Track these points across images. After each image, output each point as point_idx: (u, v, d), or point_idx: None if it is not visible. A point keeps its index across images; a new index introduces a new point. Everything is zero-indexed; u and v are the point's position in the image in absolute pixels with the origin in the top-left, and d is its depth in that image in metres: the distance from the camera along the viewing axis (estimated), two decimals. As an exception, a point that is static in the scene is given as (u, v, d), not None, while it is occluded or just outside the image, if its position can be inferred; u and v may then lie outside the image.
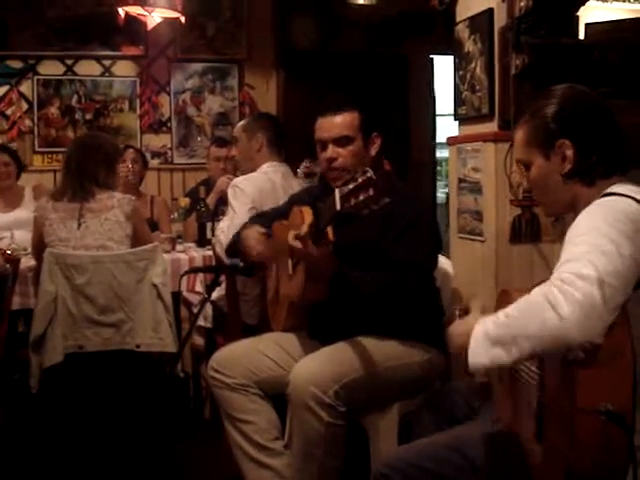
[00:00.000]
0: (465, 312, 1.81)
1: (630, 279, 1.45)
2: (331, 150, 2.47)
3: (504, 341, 1.48)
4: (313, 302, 2.35)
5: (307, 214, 2.19)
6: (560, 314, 1.39)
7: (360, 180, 1.80)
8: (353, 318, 2.40)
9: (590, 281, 1.40)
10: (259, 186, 3.21)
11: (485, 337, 1.51)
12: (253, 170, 3.35)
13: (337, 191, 1.86)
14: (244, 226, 2.72)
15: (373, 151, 2.54)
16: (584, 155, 1.67)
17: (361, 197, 1.79)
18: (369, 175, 1.80)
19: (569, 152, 1.68)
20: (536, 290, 1.48)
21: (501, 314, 1.52)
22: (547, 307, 1.41)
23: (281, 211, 2.70)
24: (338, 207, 1.84)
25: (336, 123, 2.47)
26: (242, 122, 3.61)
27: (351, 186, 1.82)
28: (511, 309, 1.51)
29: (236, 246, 2.68)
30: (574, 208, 1.71)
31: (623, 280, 1.43)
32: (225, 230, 3.06)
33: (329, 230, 2.02)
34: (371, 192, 1.78)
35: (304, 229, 2.08)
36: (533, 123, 1.73)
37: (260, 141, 3.37)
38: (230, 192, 3.23)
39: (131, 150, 4.58)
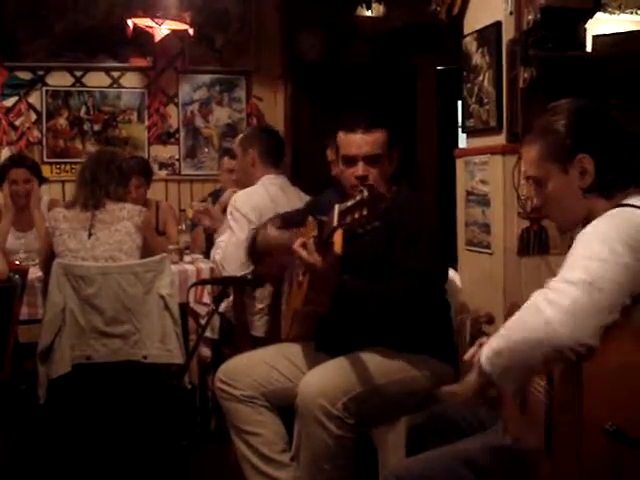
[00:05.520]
0: (487, 320, 1.85)
1: (628, 287, 1.45)
2: (362, 168, 2.41)
3: (504, 353, 1.53)
4: (316, 313, 2.35)
5: (315, 226, 2.20)
6: (545, 319, 1.43)
7: (358, 198, 1.86)
8: (361, 330, 2.39)
9: (574, 284, 1.44)
10: (256, 202, 3.21)
11: (492, 353, 1.56)
12: (251, 183, 3.36)
13: (337, 207, 1.92)
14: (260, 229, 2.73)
15: (394, 165, 2.52)
16: (604, 168, 1.68)
17: (356, 215, 1.85)
18: (364, 196, 1.84)
19: (589, 167, 1.67)
20: (528, 300, 1.52)
21: (502, 328, 1.57)
22: (534, 314, 1.47)
23: (298, 217, 2.63)
24: (335, 223, 1.92)
25: (368, 141, 2.42)
26: (238, 137, 3.62)
27: (349, 204, 1.89)
28: (509, 321, 1.55)
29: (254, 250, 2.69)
30: (589, 221, 1.71)
31: (618, 286, 1.44)
32: (222, 247, 3.17)
33: (336, 243, 2.02)
34: (365, 212, 1.83)
35: (308, 239, 2.12)
36: (547, 140, 1.71)
37: (252, 156, 3.37)
38: (228, 213, 3.25)
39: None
